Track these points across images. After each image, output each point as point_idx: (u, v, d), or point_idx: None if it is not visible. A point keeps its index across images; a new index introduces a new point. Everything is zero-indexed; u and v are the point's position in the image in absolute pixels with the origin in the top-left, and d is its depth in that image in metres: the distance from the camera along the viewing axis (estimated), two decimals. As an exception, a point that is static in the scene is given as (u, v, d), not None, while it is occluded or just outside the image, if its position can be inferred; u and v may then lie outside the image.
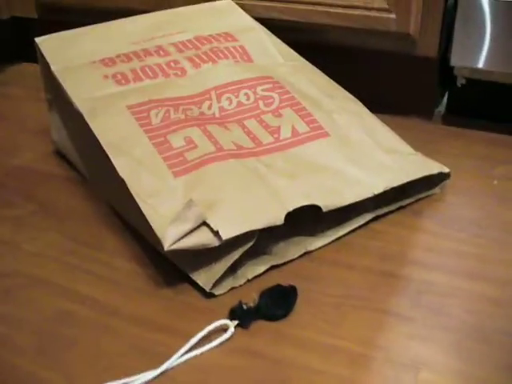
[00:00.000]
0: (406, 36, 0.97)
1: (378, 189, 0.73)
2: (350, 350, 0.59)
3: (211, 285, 0.65)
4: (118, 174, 0.69)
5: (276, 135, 0.76)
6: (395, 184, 0.74)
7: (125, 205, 0.74)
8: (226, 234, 0.63)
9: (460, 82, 1.02)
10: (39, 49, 0.86)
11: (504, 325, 0.61)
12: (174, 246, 0.62)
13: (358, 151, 0.77)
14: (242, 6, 0.99)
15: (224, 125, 0.77)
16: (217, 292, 0.65)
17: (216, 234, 0.63)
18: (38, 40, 0.87)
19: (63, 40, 0.88)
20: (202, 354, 0.59)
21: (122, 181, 0.68)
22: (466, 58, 0.97)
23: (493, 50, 0.96)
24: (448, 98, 1.07)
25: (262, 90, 0.82)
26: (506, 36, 0.94)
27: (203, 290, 0.65)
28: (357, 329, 0.61)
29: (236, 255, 0.65)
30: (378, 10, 0.97)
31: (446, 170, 0.81)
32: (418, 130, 0.97)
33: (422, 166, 0.79)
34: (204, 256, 0.65)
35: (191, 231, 0.63)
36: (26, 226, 0.78)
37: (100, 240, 0.75)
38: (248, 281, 0.67)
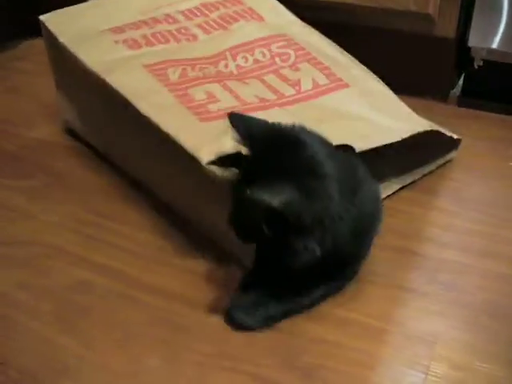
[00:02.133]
0: (425, 16, 0.97)
1: (406, 133, 0.71)
2: (367, 324, 0.60)
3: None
4: (141, 132, 0.69)
5: (297, 87, 0.76)
6: (421, 129, 0.73)
7: (148, 162, 0.74)
8: None
9: (477, 63, 1.01)
10: (45, 27, 0.84)
11: (515, 302, 0.62)
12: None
13: (380, 100, 0.77)
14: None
15: (243, 80, 0.76)
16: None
17: None
18: (42, 18, 0.85)
19: (68, 15, 0.86)
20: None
21: (147, 127, 0.67)
22: (484, 38, 0.98)
23: (511, 32, 0.95)
24: (464, 80, 1.07)
25: (277, 48, 0.82)
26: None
27: (222, 263, 0.66)
28: (374, 303, 0.62)
29: None
30: (398, -11, 0.97)
31: (455, 136, 0.81)
32: (433, 112, 0.97)
33: (436, 127, 0.79)
34: None
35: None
36: (41, 197, 0.79)
37: (116, 211, 0.76)
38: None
